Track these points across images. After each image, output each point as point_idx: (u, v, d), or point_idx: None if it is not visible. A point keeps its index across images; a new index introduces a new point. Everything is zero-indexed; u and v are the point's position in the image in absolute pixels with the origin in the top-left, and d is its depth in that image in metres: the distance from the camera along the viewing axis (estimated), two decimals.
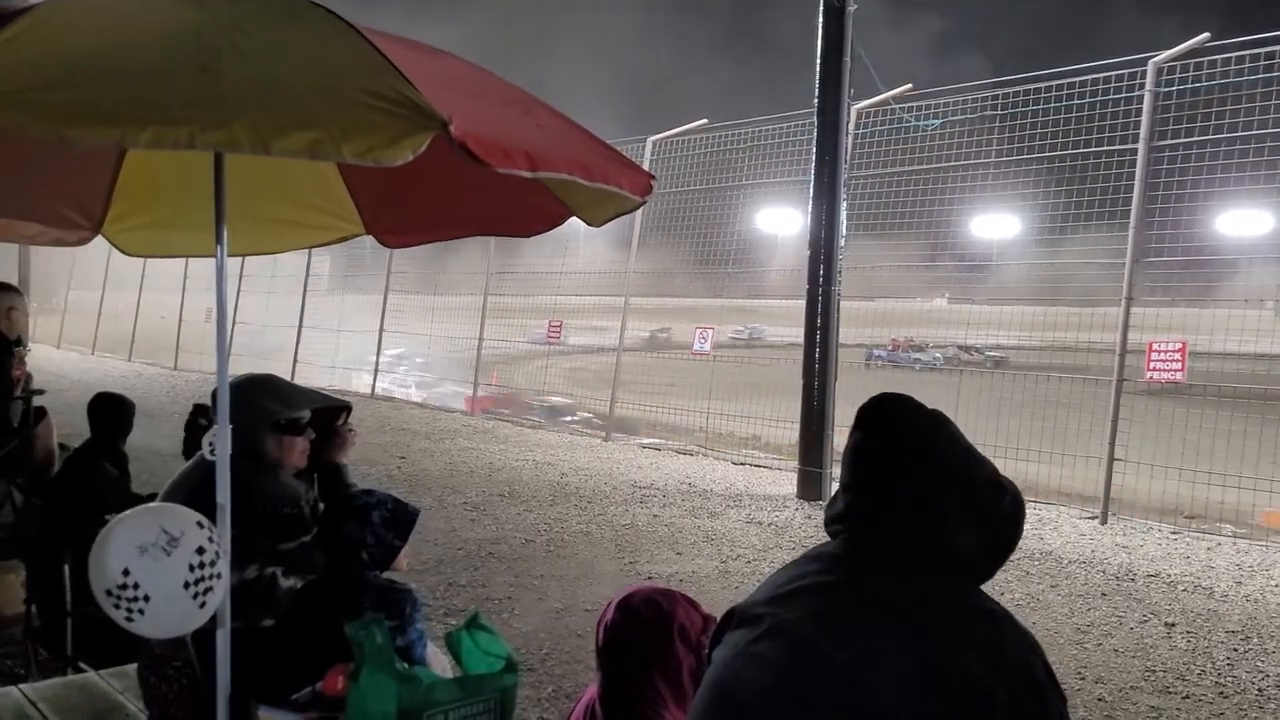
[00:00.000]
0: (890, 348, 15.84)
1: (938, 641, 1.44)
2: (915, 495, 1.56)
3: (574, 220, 3.06)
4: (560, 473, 9.90)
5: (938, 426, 1.63)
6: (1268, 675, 4.94)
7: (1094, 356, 9.52)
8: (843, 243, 9.31)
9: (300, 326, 17.65)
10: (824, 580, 1.57)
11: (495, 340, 15.00)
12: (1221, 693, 4.74)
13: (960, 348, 13.29)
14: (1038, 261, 11.41)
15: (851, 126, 9.92)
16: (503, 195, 3.05)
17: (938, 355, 14.89)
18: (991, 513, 1.59)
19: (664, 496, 8.87)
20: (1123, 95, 8.55)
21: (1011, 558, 1.67)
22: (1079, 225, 9.99)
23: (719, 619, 1.69)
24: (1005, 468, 1.69)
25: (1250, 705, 4.60)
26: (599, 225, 3.00)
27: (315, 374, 16.46)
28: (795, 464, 9.44)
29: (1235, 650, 5.28)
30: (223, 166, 2.52)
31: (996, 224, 12.36)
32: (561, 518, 7.88)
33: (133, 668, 2.84)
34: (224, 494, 2.48)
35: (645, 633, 2.09)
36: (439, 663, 2.76)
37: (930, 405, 1.68)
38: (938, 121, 9.94)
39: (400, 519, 2.71)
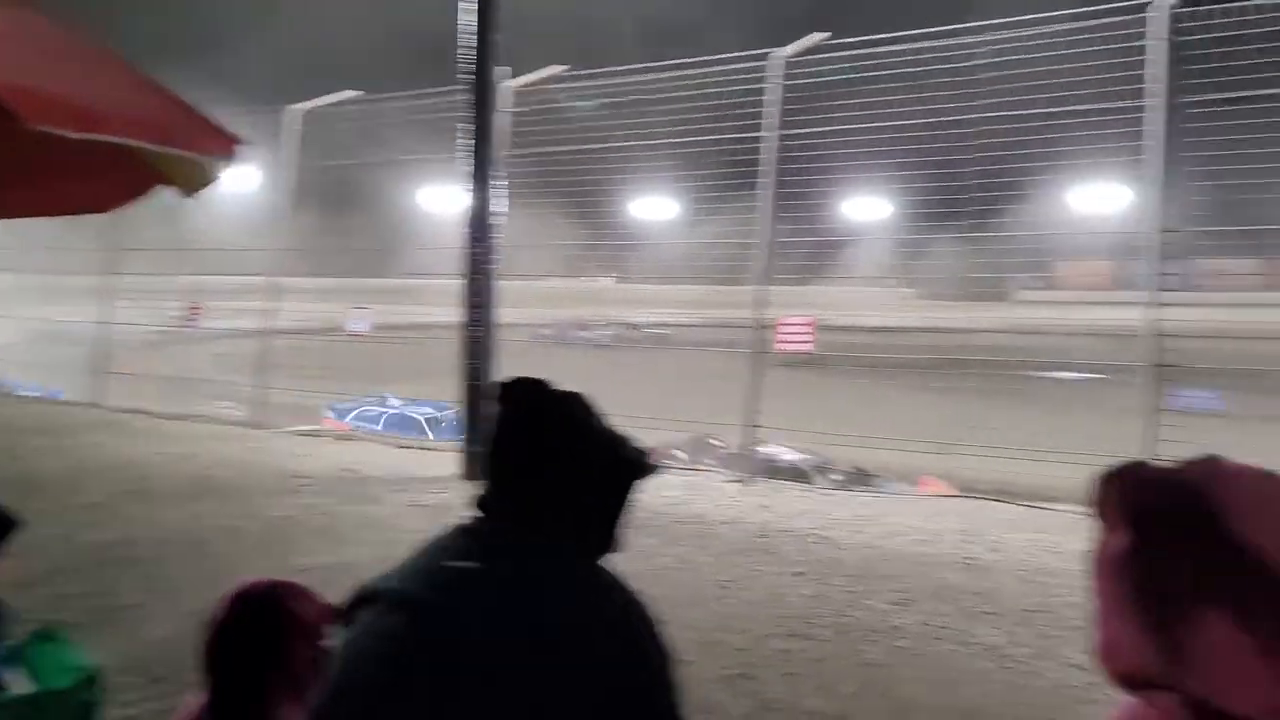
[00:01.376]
0: (558, 327, 16.19)
1: (559, 614, 1.51)
2: (546, 476, 1.62)
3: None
4: (203, 465, 9.11)
5: (569, 408, 1.68)
6: (874, 611, 5.51)
7: (742, 332, 10.20)
8: (500, 221, 9.26)
9: None
10: (457, 556, 1.57)
11: (125, 325, 13.51)
12: (838, 631, 5.21)
13: (625, 325, 13.84)
14: (691, 242, 12.07)
15: (510, 105, 9.92)
16: (72, 159, 2.65)
17: (604, 333, 15.41)
18: (619, 491, 1.66)
19: (321, 485, 8.41)
20: (754, 85, 9.17)
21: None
22: (725, 208, 10.65)
23: (348, 602, 1.60)
24: (660, 438, 1.73)
25: (861, 640, 5.10)
26: (191, 195, 2.70)
27: None
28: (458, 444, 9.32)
29: (851, 592, 5.83)
30: None
31: (654, 206, 12.92)
32: (203, 514, 7.24)
33: None
34: None
35: (259, 627, 1.97)
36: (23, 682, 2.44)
37: (592, 380, 1.75)
38: (592, 103, 10.17)
39: None
